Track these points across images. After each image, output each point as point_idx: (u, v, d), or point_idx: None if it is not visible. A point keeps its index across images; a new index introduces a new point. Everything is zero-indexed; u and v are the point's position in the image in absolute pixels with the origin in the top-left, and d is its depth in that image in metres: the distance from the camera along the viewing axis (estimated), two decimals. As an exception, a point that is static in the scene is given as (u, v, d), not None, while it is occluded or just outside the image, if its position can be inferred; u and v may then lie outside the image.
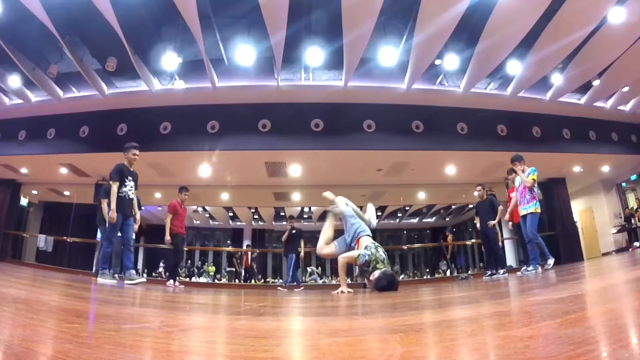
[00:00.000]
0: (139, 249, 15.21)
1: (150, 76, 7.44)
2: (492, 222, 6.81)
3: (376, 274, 3.75)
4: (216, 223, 17.15)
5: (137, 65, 6.84)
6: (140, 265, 15.10)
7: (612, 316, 0.97)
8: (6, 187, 10.09)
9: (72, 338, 0.86)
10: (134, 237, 5.15)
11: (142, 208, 6.54)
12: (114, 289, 3.43)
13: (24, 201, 11.41)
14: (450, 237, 12.13)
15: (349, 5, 5.75)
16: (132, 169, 5.07)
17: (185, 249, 16.45)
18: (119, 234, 4.96)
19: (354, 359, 0.74)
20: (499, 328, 0.98)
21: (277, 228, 17.68)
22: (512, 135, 8.47)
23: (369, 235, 4.21)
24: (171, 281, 6.33)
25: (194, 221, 16.84)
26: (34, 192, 11.41)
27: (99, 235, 10.56)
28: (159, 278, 11.25)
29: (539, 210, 5.47)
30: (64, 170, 9.42)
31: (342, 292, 4.08)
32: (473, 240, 12.41)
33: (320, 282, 12.65)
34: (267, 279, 14.99)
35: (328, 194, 4.41)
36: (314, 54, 6.83)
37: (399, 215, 16.22)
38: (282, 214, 15.61)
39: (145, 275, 13.06)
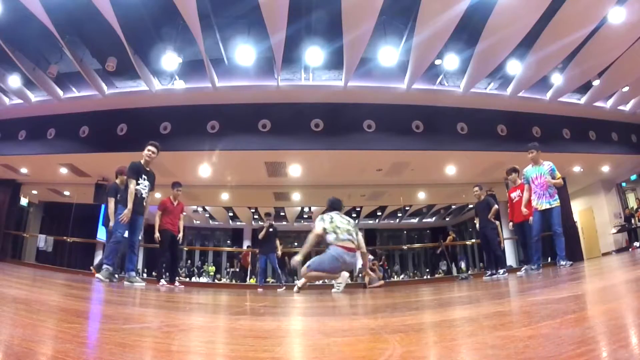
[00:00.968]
0: (139, 249, 15.20)
1: (150, 76, 7.44)
2: (496, 222, 6.86)
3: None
4: (216, 223, 17.15)
5: (137, 65, 6.84)
6: (140, 265, 15.11)
7: (612, 316, 0.97)
8: (6, 187, 10.09)
9: (72, 338, 0.86)
10: (140, 238, 5.11)
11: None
12: (111, 288, 3.43)
13: (24, 201, 11.41)
14: (450, 237, 12.13)
15: (349, 5, 5.75)
16: (148, 169, 4.98)
17: (185, 249, 16.52)
18: (126, 235, 4.86)
19: (354, 359, 0.74)
20: (499, 328, 0.98)
21: (277, 228, 17.69)
22: (512, 135, 8.47)
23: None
24: (162, 281, 6.28)
25: (194, 221, 16.83)
26: (34, 192, 11.41)
27: (99, 235, 10.57)
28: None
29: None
30: (64, 170, 9.42)
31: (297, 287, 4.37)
32: (473, 240, 12.41)
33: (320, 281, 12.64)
34: (267, 279, 14.99)
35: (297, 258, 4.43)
36: (314, 54, 6.83)
37: (399, 215, 16.23)
38: (282, 214, 15.61)
39: (145, 275, 13.06)
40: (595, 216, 11.83)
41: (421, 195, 11.82)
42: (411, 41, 6.59)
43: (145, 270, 14.14)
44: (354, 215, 16.02)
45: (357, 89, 7.69)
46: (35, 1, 5.52)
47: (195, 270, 15.66)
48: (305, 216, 16.23)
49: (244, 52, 6.80)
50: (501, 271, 6.74)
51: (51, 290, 2.40)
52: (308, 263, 4.36)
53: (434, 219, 17.77)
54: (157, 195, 10.78)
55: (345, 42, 6.38)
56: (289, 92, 7.73)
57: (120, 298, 2.53)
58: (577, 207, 12.00)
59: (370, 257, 10.22)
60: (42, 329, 0.95)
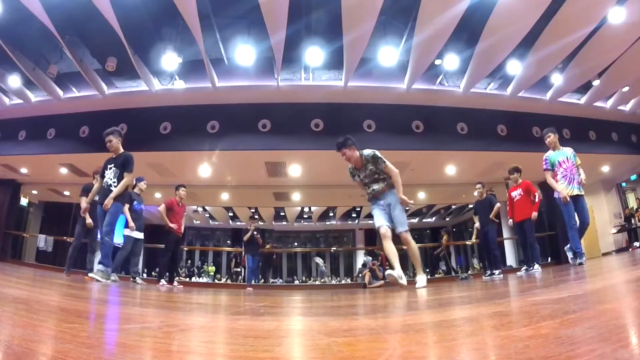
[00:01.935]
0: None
1: (150, 76, 7.44)
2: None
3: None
4: (216, 223, 17.16)
5: (137, 65, 6.84)
6: (140, 265, 15.10)
7: (612, 316, 0.97)
8: (6, 187, 10.09)
9: (72, 338, 0.86)
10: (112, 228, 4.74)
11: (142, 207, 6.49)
12: (107, 287, 3.43)
13: (24, 201, 11.41)
14: (445, 238, 12.12)
15: (349, 5, 5.75)
16: (114, 156, 4.69)
17: (185, 249, 16.52)
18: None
19: (354, 359, 0.74)
20: (499, 328, 0.98)
21: (277, 228, 17.70)
22: (512, 135, 8.47)
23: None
24: (162, 281, 6.31)
25: (194, 221, 16.84)
26: (34, 192, 11.40)
27: (100, 235, 10.60)
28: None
29: None
30: (64, 170, 9.42)
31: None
32: (473, 240, 12.40)
33: (322, 281, 12.65)
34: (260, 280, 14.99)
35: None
36: (314, 54, 6.83)
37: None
38: (282, 214, 15.62)
39: (145, 275, 13.06)
40: (595, 216, 11.82)
41: (421, 195, 11.82)
42: (411, 41, 6.59)
43: (146, 270, 14.14)
44: (354, 215, 16.04)
45: (357, 89, 7.68)
46: (35, 1, 5.52)
47: (195, 270, 15.67)
48: (305, 216, 16.23)
49: (244, 52, 6.80)
50: (496, 272, 6.73)
51: (51, 290, 2.40)
52: (400, 230, 3.84)
53: (434, 219, 17.78)
54: (157, 195, 10.81)
55: (345, 42, 6.38)
56: (289, 92, 7.73)
57: (120, 298, 2.53)
58: (577, 206, 11.98)
59: (369, 257, 10.23)
60: (42, 329, 0.95)
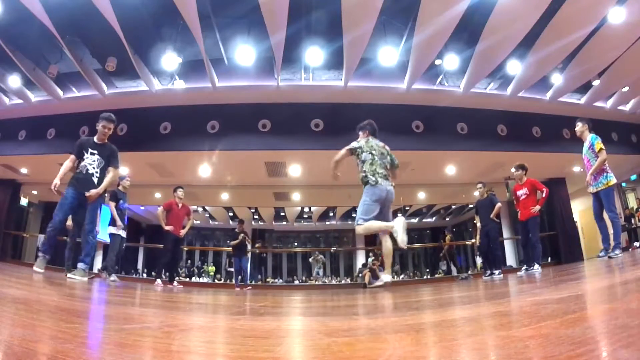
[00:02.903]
0: (139, 249, 15.22)
1: (150, 76, 7.44)
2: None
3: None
4: (216, 223, 17.15)
5: (137, 65, 6.84)
6: (140, 265, 15.11)
7: (612, 316, 0.97)
8: (6, 187, 10.09)
9: (72, 338, 0.86)
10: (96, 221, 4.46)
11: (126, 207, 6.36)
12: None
13: (24, 201, 11.41)
14: (448, 237, 12.13)
15: (349, 5, 5.75)
16: (100, 142, 4.42)
17: (185, 249, 16.51)
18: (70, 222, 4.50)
19: (354, 359, 0.74)
20: (499, 328, 0.98)
21: (277, 228, 17.70)
22: (512, 135, 8.47)
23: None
24: (159, 281, 6.32)
25: (194, 221, 16.82)
26: (34, 192, 11.41)
27: (100, 235, 10.60)
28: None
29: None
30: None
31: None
32: (473, 240, 12.41)
33: (321, 281, 12.64)
34: (267, 279, 14.99)
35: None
36: (314, 54, 6.83)
37: (399, 215, 16.22)
38: (282, 214, 15.61)
39: (144, 275, 13.07)
40: (595, 216, 11.81)
41: (421, 195, 11.83)
42: (411, 41, 6.59)
43: (145, 270, 14.15)
44: (354, 215, 16.03)
45: (357, 89, 7.68)
46: (35, 1, 5.52)
47: (195, 270, 15.67)
48: (305, 216, 16.23)
49: (244, 52, 6.80)
50: (496, 272, 6.72)
51: (51, 290, 2.40)
52: (357, 218, 3.83)
53: (434, 219, 17.77)
54: (157, 195, 10.82)
55: (345, 42, 6.38)
56: (289, 92, 7.73)
57: (120, 298, 2.53)
58: (577, 207, 11.99)
59: (370, 259, 10.23)
60: (42, 329, 0.95)
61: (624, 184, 11.42)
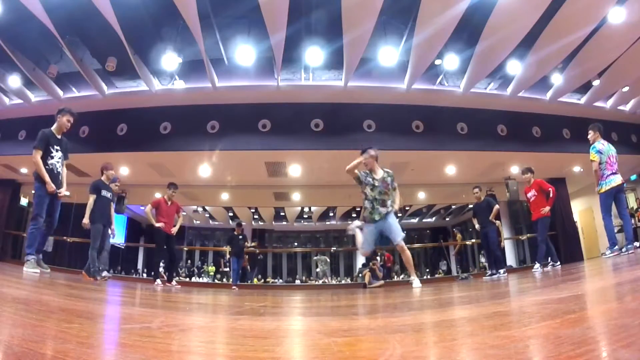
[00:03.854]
0: (139, 249, 15.23)
1: (150, 76, 7.44)
2: (497, 222, 6.96)
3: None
4: (216, 223, 17.16)
5: (137, 65, 6.84)
6: (140, 265, 15.11)
7: (612, 316, 0.97)
8: (6, 187, 10.08)
9: (72, 338, 0.86)
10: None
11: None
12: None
13: (24, 201, 11.40)
14: (459, 237, 12.18)
15: (349, 5, 5.75)
16: (59, 137, 4.31)
17: (185, 249, 16.52)
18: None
19: (354, 359, 0.74)
20: (499, 328, 0.98)
21: (277, 228, 17.71)
22: (512, 135, 8.47)
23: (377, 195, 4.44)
24: (158, 280, 6.29)
25: (194, 221, 16.84)
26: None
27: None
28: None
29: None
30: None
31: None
32: (473, 240, 12.43)
33: (321, 281, 12.64)
34: (267, 279, 15.00)
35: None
36: (314, 54, 6.83)
37: (399, 215, 16.22)
38: (282, 214, 15.62)
39: (144, 275, 13.07)
40: (595, 216, 11.80)
41: (421, 195, 11.82)
42: (411, 41, 6.59)
43: (145, 270, 14.15)
44: (354, 215, 16.04)
45: (357, 89, 7.68)
46: (35, 1, 5.52)
47: (195, 270, 15.68)
48: (305, 216, 16.23)
49: (244, 52, 6.80)
50: (501, 271, 6.80)
51: (51, 290, 2.40)
52: (397, 240, 4.28)
53: (434, 219, 17.78)
54: (157, 195, 10.81)
55: (345, 42, 6.38)
56: (289, 92, 7.73)
57: (120, 298, 2.53)
58: (577, 207, 11.99)
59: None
60: (42, 329, 0.94)
61: (623, 184, 11.41)
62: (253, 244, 12.08)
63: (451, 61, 7.10)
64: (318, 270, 13.53)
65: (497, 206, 6.95)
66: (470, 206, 13.77)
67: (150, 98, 7.80)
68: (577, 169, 10.06)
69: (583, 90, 8.51)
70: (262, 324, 1.39)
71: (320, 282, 12.58)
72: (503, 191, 9.90)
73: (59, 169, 4.25)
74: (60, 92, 7.94)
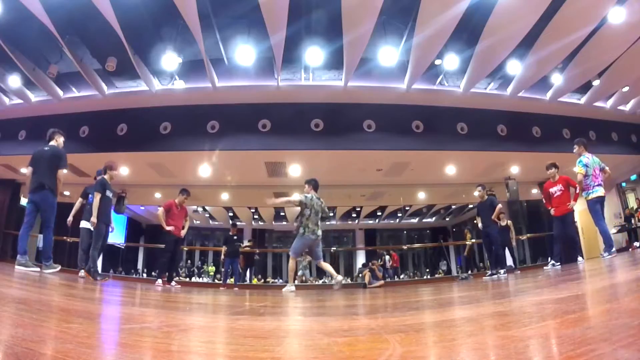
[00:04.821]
0: (139, 249, 15.23)
1: (150, 76, 7.44)
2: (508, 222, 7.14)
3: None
4: (216, 223, 17.15)
5: (137, 65, 6.84)
6: (140, 265, 15.11)
7: (612, 316, 0.97)
8: (6, 187, 10.09)
9: (72, 338, 0.86)
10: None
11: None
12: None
13: (24, 201, 11.39)
14: (469, 236, 12.16)
15: (349, 5, 5.75)
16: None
17: (185, 249, 16.51)
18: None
19: (354, 359, 0.74)
20: (499, 328, 0.98)
21: (277, 228, 17.70)
22: (512, 135, 8.47)
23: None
24: (159, 280, 6.29)
25: (194, 221, 16.82)
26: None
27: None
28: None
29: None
30: (64, 170, 9.41)
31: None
32: (473, 240, 12.42)
33: (310, 279, 12.63)
34: (267, 279, 15.00)
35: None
36: (314, 54, 6.83)
37: (399, 215, 16.24)
38: (282, 214, 15.62)
39: (144, 275, 13.07)
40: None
41: (421, 195, 11.83)
42: (411, 41, 6.59)
43: (145, 270, 14.15)
44: (354, 215, 16.05)
45: (357, 89, 7.68)
46: (35, 1, 5.52)
47: (195, 270, 15.68)
48: (305, 216, 16.19)
49: (244, 52, 6.80)
50: (502, 271, 6.79)
51: (51, 290, 2.40)
52: (290, 249, 5.19)
53: (434, 219, 17.78)
54: (157, 195, 10.82)
55: (345, 42, 6.38)
56: (289, 92, 7.73)
57: (120, 298, 2.53)
58: (577, 207, 11.92)
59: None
60: (42, 329, 0.95)
61: (623, 184, 11.42)
62: (248, 243, 12.08)
63: (451, 61, 7.10)
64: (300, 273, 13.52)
65: (499, 205, 6.97)
66: (471, 206, 13.80)
67: (150, 98, 7.80)
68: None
69: (583, 90, 8.51)
70: (262, 324, 1.39)
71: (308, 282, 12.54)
72: (503, 191, 9.90)
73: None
74: (60, 92, 7.94)
